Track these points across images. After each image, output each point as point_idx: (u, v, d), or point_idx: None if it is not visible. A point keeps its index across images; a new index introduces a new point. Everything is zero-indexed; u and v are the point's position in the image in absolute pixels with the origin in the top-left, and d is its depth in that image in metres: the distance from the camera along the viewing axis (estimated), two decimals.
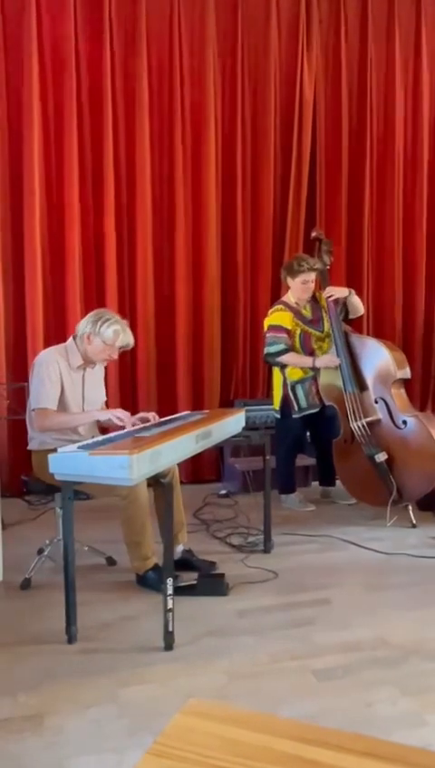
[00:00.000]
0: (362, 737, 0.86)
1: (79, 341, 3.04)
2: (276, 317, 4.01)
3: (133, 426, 2.91)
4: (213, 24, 4.66)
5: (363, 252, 5.09)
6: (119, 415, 2.90)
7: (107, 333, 2.96)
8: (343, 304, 4.03)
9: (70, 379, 3.01)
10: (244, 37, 4.75)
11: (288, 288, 4.09)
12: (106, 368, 3.33)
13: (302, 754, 0.78)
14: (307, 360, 3.96)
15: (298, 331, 4.01)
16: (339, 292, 3.99)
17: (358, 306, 4.07)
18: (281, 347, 3.95)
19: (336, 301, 3.97)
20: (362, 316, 4.31)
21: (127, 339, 3.04)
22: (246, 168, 4.85)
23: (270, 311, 4.09)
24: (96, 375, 3.20)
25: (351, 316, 4.08)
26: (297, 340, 4.01)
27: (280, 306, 4.05)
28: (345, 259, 5.06)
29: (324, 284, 4.04)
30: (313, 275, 3.98)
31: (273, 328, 3.99)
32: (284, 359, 3.98)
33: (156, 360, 4.71)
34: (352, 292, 4.05)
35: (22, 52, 4.29)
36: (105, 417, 2.92)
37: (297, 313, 4.03)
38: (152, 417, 3.04)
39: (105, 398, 3.33)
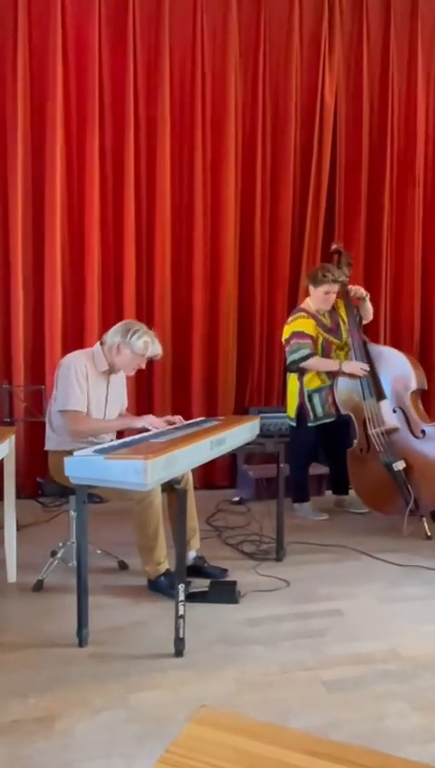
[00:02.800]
0: (374, 753, 0.85)
1: (107, 350, 3.07)
2: (299, 323, 3.98)
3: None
4: (235, 32, 4.66)
5: (382, 263, 5.05)
6: (148, 425, 2.95)
7: (138, 344, 3.01)
8: (357, 309, 4.05)
9: (95, 383, 3.05)
10: (266, 44, 4.75)
11: (308, 295, 4.09)
12: None
13: None
14: (334, 364, 3.92)
15: (320, 339, 3.99)
16: (361, 291, 4.09)
17: (369, 312, 4.12)
18: (306, 352, 3.92)
19: (356, 306, 4.02)
20: (377, 327, 4.32)
21: (156, 349, 3.09)
22: (265, 177, 4.84)
23: (290, 318, 4.07)
24: (119, 380, 3.24)
25: (363, 322, 4.12)
26: (319, 348, 3.99)
27: (302, 313, 4.03)
28: (363, 270, 5.02)
29: (344, 296, 4.04)
30: (336, 287, 3.96)
31: (296, 334, 3.96)
32: (309, 363, 3.94)
33: (171, 365, 4.71)
34: (367, 297, 4.09)
35: (47, 63, 4.33)
36: (140, 425, 2.98)
37: (319, 321, 4.02)
38: (178, 420, 3.15)
39: (126, 404, 3.36)
